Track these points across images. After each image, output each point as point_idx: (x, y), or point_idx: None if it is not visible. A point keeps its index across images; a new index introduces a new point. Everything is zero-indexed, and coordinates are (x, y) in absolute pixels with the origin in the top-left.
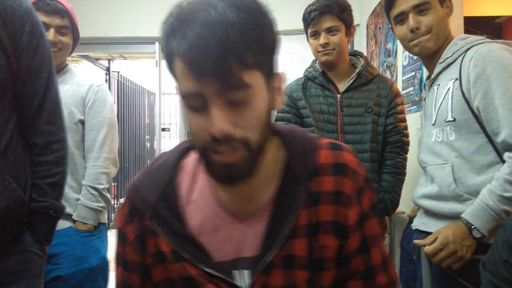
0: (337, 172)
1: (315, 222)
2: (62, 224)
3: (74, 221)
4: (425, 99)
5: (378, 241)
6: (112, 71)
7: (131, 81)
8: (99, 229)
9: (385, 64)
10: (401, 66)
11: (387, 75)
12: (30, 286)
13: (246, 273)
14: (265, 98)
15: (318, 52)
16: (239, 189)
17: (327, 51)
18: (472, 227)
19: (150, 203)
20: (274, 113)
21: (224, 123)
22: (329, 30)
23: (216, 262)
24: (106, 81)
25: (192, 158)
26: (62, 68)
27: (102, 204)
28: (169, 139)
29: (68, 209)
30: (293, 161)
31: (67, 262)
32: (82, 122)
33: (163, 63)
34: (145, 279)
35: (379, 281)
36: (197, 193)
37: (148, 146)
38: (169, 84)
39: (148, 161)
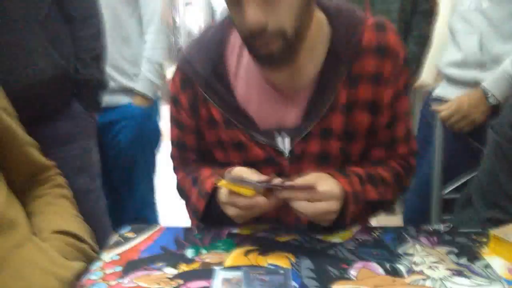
0: (379, 54)
1: (353, 101)
2: (121, 99)
3: (131, 95)
4: None
5: (406, 117)
6: None
7: None
8: (155, 106)
9: None
10: None
11: None
12: (83, 146)
13: (287, 140)
14: None
15: None
16: (283, 68)
17: None
18: (489, 94)
19: (203, 76)
20: None
21: (256, 16)
22: None
23: (261, 130)
24: None
25: (237, 34)
26: None
27: (161, 79)
28: (193, 14)
29: (126, 82)
30: (337, 42)
31: (126, 132)
32: None
33: None
34: (199, 139)
35: (400, 150)
36: (244, 69)
37: (171, 22)
38: None
39: (172, 37)
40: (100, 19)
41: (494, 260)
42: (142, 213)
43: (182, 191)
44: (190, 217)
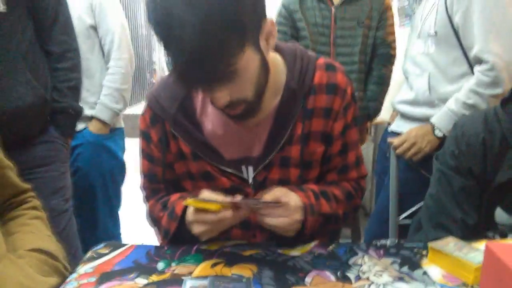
0: (329, 91)
1: (308, 132)
2: (79, 126)
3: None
4: (414, 11)
5: (355, 146)
6: None
7: None
8: (114, 133)
9: None
10: None
11: None
12: (57, 169)
13: (251, 169)
14: (255, 61)
15: None
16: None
17: None
18: (435, 127)
19: (171, 113)
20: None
21: (223, 100)
22: None
23: (227, 161)
24: None
25: None
26: None
27: (120, 106)
28: None
29: (87, 111)
30: (292, 81)
31: (83, 157)
32: (93, 28)
33: None
34: (168, 171)
35: (351, 175)
36: (209, 106)
37: (147, 58)
38: None
39: (148, 72)
40: (77, 54)
41: (431, 268)
42: None
43: (153, 217)
44: (161, 240)
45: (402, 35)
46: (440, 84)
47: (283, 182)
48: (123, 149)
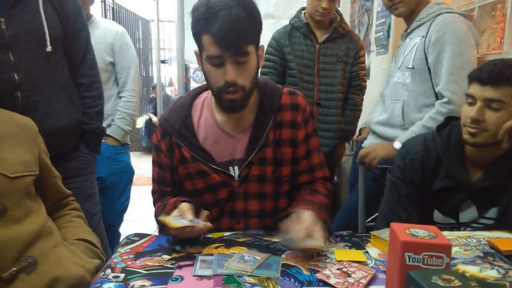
0: (293, 108)
1: (279, 139)
2: None
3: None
4: (399, 46)
5: (317, 151)
6: None
7: (125, 8)
8: (124, 147)
9: (364, 7)
10: (376, 11)
11: (366, 18)
12: (88, 180)
13: (236, 168)
14: (255, 62)
15: (317, 11)
16: (232, 116)
17: (325, 14)
18: (396, 139)
19: (176, 127)
20: (259, 71)
21: (233, 74)
22: None
23: (218, 162)
24: (101, 8)
25: (200, 100)
26: (88, 20)
27: (130, 128)
28: (168, 67)
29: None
30: (264, 102)
31: (104, 167)
32: (112, 63)
33: None
34: (173, 174)
35: (318, 175)
36: (203, 121)
37: (144, 74)
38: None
39: (144, 88)
40: (101, 85)
41: (372, 249)
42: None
43: (156, 216)
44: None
45: (378, 62)
46: (411, 111)
47: (261, 177)
48: (129, 158)
